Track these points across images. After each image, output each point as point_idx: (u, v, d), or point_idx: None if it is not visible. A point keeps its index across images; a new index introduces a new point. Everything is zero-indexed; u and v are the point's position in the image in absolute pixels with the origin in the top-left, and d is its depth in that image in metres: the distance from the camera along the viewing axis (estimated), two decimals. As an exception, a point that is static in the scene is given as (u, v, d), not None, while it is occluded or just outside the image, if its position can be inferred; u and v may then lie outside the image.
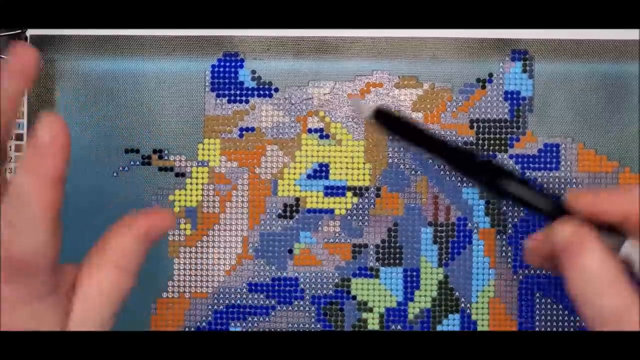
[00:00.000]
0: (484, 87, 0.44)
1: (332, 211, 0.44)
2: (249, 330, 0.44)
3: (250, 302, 0.44)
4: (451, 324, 0.44)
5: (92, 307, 0.35)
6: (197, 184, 0.45)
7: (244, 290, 0.44)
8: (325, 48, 0.44)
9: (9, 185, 0.33)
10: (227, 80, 0.45)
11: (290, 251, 0.44)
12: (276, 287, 0.44)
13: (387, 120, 0.40)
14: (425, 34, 0.44)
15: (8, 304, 0.33)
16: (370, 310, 0.44)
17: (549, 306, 0.44)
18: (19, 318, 0.33)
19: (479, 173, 0.37)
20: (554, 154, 0.44)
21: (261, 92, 0.44)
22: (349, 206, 0.44)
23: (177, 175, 0.45)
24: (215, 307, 0.44)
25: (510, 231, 0.44)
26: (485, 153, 0.44)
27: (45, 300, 0.34)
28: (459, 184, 0.44)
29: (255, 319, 0.44)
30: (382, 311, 0.44)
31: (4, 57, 0.44)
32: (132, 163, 0.44)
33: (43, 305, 0.34)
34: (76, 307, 0.35)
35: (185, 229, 0.45)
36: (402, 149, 0.44)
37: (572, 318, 0.44)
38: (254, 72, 0.44)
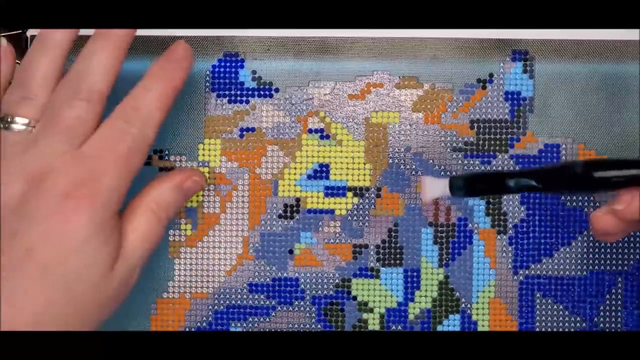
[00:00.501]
0: (484, 87, 0.44)
1: (332, 211, 0.44)
2: (250, 330, 0.44)
3: (250, 302, 0.44)
4: (452, 324, 0.44)
5: (130, 248, 0.38)
6: (197, 184, 0.44)
7: (245, 290, 0.44)
8: (326, 48, 0.44)
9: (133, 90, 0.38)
10: (227, 81, 0.45)
11: (291, 251, 0.44)
12: (277, 288, 0.44)
13: (465, 185, 0.40)
14: (425, 34, 0.44)
15: (108, 199, 0.36)
16: (371, 310, 0.44)
17: (549, 306, 0.44)
18: (103, 218, 0.36)
19: (574, 180, 0.37)
20: (555, 154, 0.44)
21: (262, 93, 0.44)
22: (350, 206, 0.44)
23: (177, 175, 0.45)
24: (216, 307, 0.44)
25: (510, 231, 0.44)
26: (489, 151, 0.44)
27: (115, 221, 0.37)
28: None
29: (256, 319, 0.44)
30: (383, 311, 0.44)
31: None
32: (132, 163, 0.44)
33: (113, 225, 0.37)
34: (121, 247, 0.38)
35: (185, 229, 0.45)
36: (403, 154, 0.44)
37: (572, 318, 0.44)
38: (254, 72, 0.44)
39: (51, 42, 0.39)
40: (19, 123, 0.37)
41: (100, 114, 0.38)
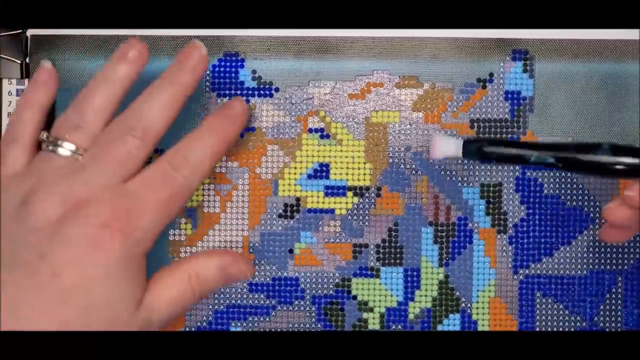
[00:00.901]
0: (484, 86, 0.44)
1: (332, 211, 0.44)
2: (250, 330, 0.44)
3: (250, 302, 0.44)
4: (452, 323, 0.44)
5: (154, 304, 0.38)
6: (197, 183, 0.45)
7: (245, 290, 0.44)
8: (326, 48, 0.44)
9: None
10: (227, 80, 0.45)
11: (291, 251, 0.44)
12: (277, 287, 0.44)
13: (480, 151, 0.38)
14: (425, 34, 0.44)
15: (154, 231, 0.37)
16: (371, 310, 0.44)
17: (549, 306, 0.44)
18: (139, 248, 0.37)
19: (597, 163, 0.36)
20: (555, 153, 0.44)
21: (262, 92, 0.45)
22: (350, 206, 0.44)
23: (177, 175, 0.45)
24: (216, 307, 0.44)
25: (510, 231, 0.44)
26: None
27: (142, 263, 0.37)
28: (459, 183, 0.44)
29: (256, 318, 0.44)
30: (383, 311, 0.44)
31: (4, 57, 0.44)
32: (132, 163, 0.44)
33: (139, 266, 0.37)
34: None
35: (185, 229, 0.45)
36: (402, 152, 0.44)
37: (572, 317, 0.44)
38: (254, 72, 0.44)
39: (114, 75, 0.39)
40: (67, 148, 0.38)
41: (150, 153, 0.38)
